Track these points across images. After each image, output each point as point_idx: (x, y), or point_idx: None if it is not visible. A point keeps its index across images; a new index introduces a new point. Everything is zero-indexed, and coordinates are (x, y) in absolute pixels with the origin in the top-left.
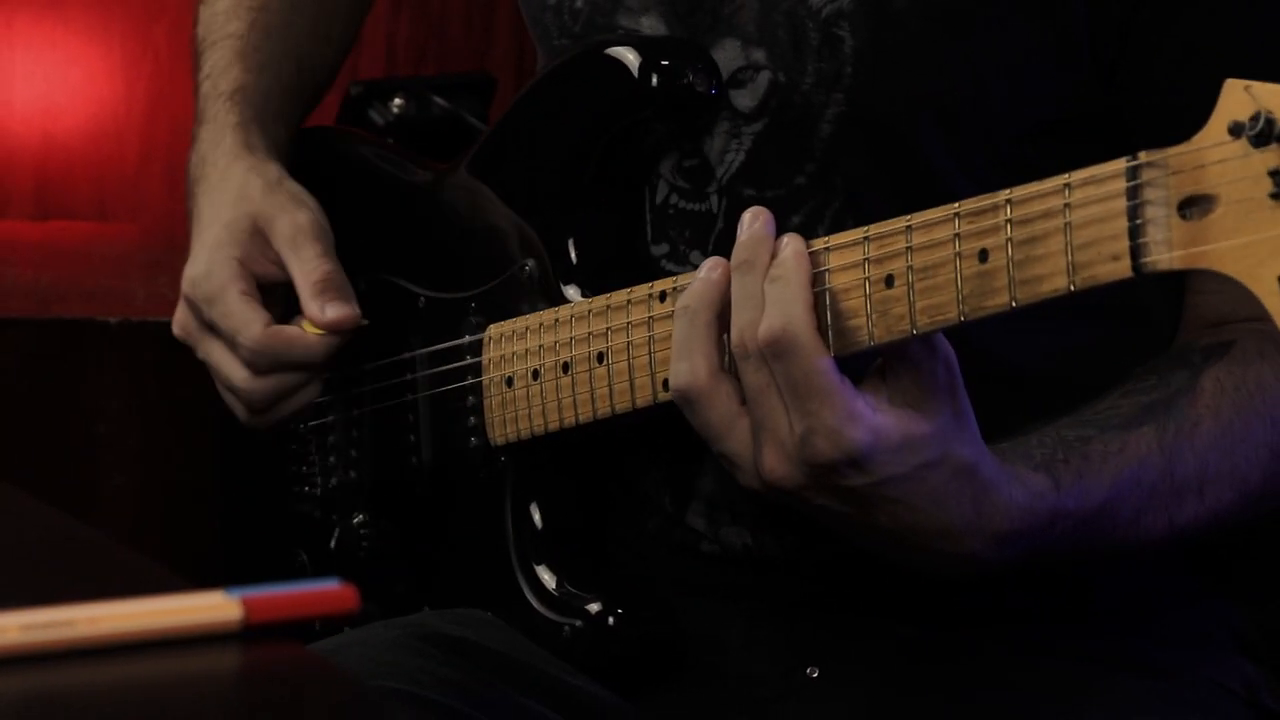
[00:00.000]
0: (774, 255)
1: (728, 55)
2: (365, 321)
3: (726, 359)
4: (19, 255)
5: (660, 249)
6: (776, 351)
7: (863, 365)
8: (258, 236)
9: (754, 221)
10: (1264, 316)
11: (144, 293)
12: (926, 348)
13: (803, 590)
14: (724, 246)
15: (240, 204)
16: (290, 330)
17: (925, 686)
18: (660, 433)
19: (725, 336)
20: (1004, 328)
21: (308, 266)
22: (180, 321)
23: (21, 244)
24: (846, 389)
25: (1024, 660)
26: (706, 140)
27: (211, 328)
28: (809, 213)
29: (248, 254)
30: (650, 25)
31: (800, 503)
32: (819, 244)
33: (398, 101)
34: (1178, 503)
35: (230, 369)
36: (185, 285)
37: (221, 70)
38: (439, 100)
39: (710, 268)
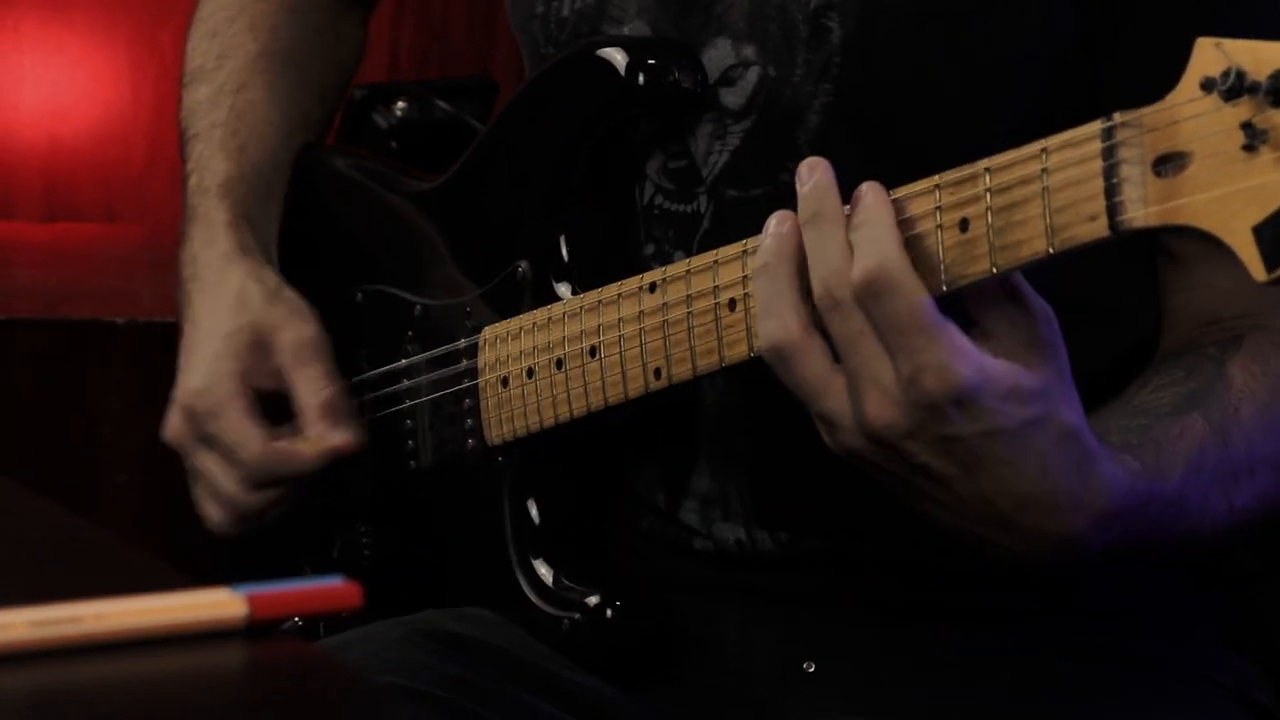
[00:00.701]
0: (852, 204)
1: (719, 54)
2: (366, 443)
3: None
4: (26, 256)
5: (647, 249)
6: (874, 291)
7: None
8: (258, 349)
9: (813, 173)
10: (1252, 313)
11: (150, 293)
12: (1022, 306)
13: (796, 586)
14: (708, 246)
15: (241, 313)
16: (289, 447)
17: (920, 680)
18: (654, 430)
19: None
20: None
21: (313, 387)
22: (174, 429)
23: (28, 245)
24: (951, 326)
25: (1017, 654)
26: (692, 141)
27: (208, 440)
28: (795, 208)
29: (248, 367)
30: (636, 32)
31: (902, 459)
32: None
33: (401, 105)
34: (1235, 485)
35: (225, 481)
36: (184, 396)
37: (205, 163)
38: (441, 104)
39: (779, 222)
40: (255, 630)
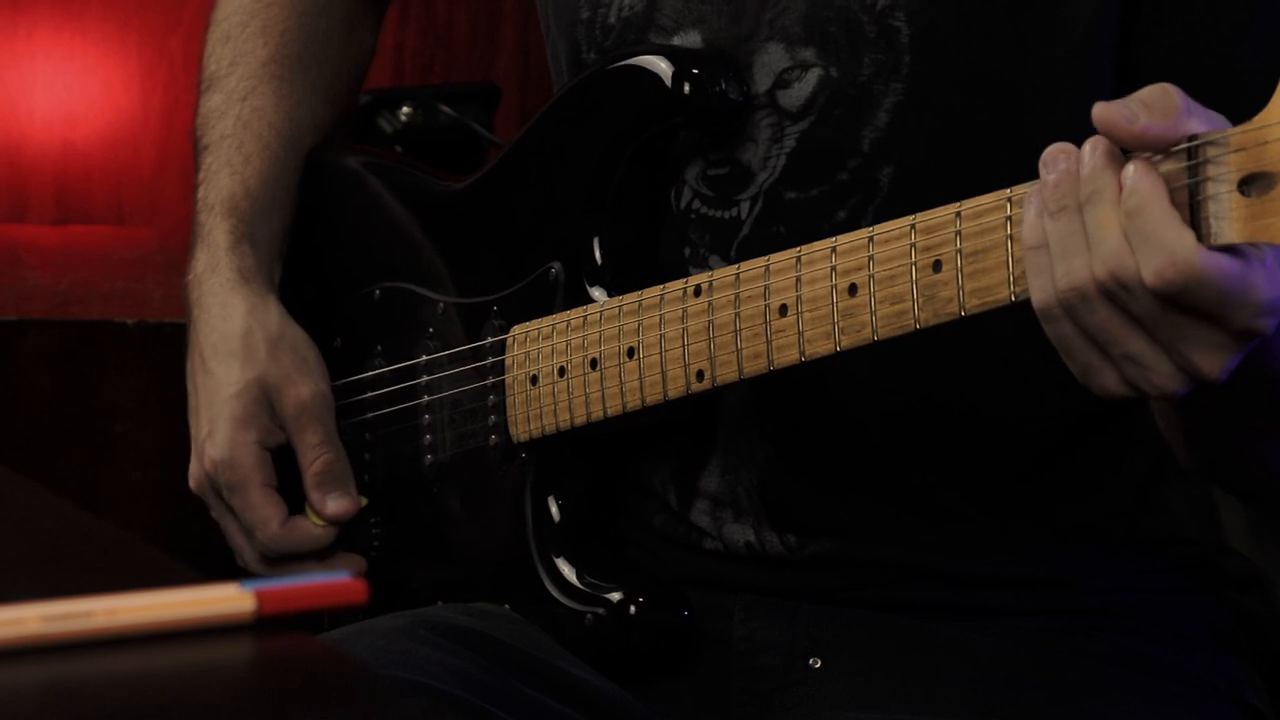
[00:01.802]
0: (1123, 184)
1: (773, 59)
2: (365, 503)
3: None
4: (39, 258)
5: (683, 253)
6: (1174, 295)
7: (868, 352)
8: (266, 405)
9: (1094, 152)
10: None
11: (160, 294)
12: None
13: (803, 586)
14: (746, 252)
15: (248, 367)
16: (304, 526)
17: (922, 677)
18: (669, 431)
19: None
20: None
21: (310, 454)
22: (198, 484)
23: (42, 248)
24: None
25: (1018, 653)
26: (747, 146)
27: (230, 509)
28: (854, 207)
29: (262, 430)
30: (683, 43)
31: (1239, 378)
32: (861, 235)
33: (405, 110)
34: None
35: (244, 550)
36: (206, 463)
37: (212, 177)
38: (445, 109)
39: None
40: (263, 625)
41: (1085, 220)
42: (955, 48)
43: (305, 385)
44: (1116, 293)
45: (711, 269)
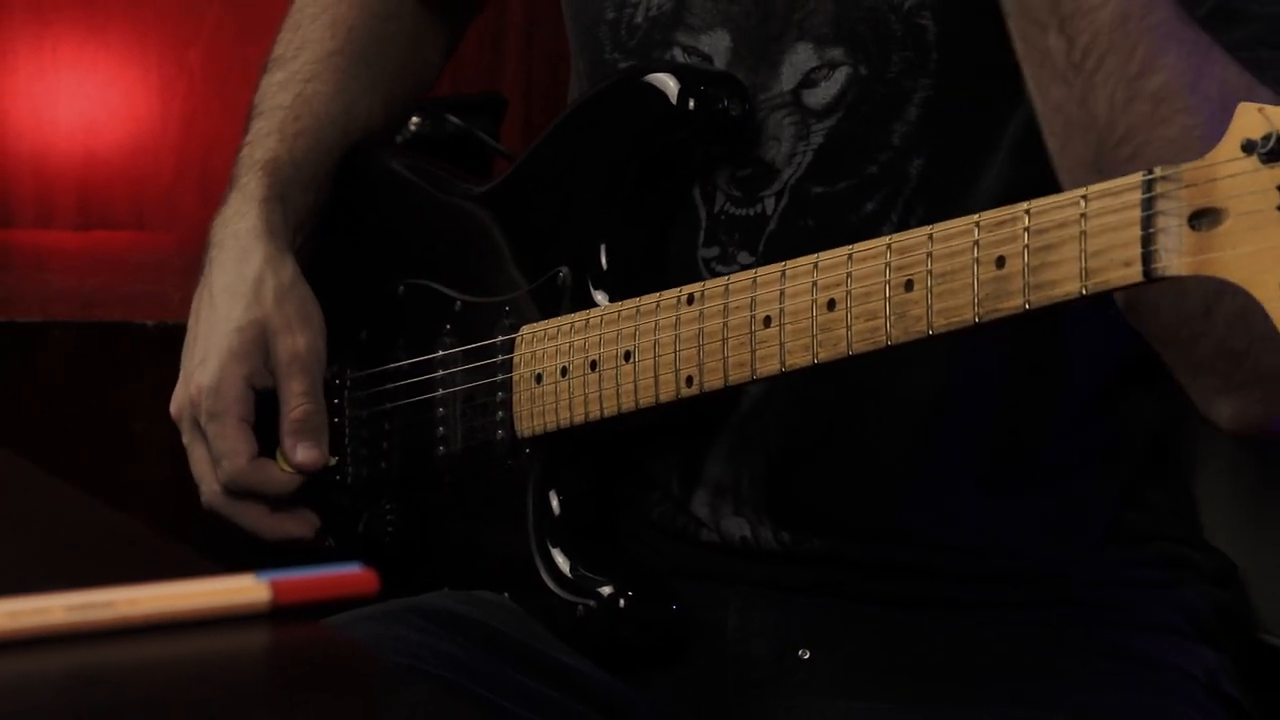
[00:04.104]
0: None
1: (801, 58)
2: (333, 461)
3: None
4: (62, 262)
5: (710, 251)
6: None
7: (877, 361)
8: (262, 347)
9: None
10: None
11: (179, 297)
12: None
13: (796, 579)
14: (774, 246)
15: (253, 309)
16: (269, 468)
17: (911, 668)
18: (674, 424)
19: None
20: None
21: (291, 403)
22: (178, 407)
23: (65, 252)
24: None
25: (1002, 644)
26: (773, 145)
27: (202, 434)
28: (882, 200)
29: (253, 369)
30: (711, 43)
31: None
32: (841, 253)
33: (415, 120)
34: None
35: (205, 478)
36: (192, 387)
37: (260, 139)
38: (453, 119)
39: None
40: (278, 614)
41: None
42: (980, 41)
43: (303, 336)
44: None
45: (741, 266)
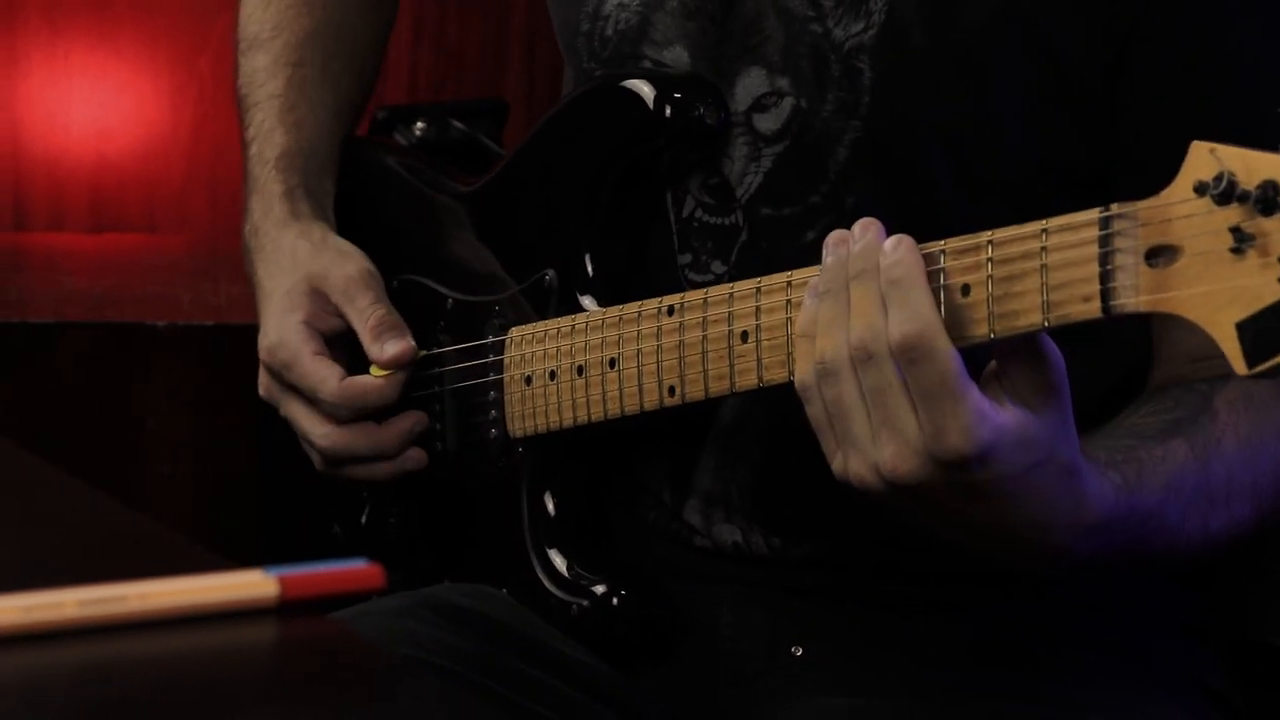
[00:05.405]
0: (886, 256)
1: (753, 82)
2: (423, 353)
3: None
4: (75, 265)
5: (684, 259)
6: (913, 357)
7: None
8: (317, 296)
9: (864, 234)
10: None
11: (189, 299)
12: (1037, 352)
13: (788, 581)
14: (746, 257)
15: (295, 270)
16: (362, 379)
17: (899, 664)
18: (666, 430)
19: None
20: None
21: (364, 314)
22: (264, 385)
23: (78, 254)
24: (974, 388)
25: (990, 640)
26: (727, 163)
27: (292, 389)
28: (823, 229)
29: (311, 314)
30: (674, 56)
31: (912, 497)
32: (814, 271)
33: (419, 125)
34: (1211, 510)
35: (311, 424)
36: (262, 354)
37: (265, 134)
38: (457, 124)
39: (835, 245)
40: (286, 609)
41: (851, 296)
42: (912, 96)
43: (351, 265)
44: (863, 361)
45: (713, 274)
